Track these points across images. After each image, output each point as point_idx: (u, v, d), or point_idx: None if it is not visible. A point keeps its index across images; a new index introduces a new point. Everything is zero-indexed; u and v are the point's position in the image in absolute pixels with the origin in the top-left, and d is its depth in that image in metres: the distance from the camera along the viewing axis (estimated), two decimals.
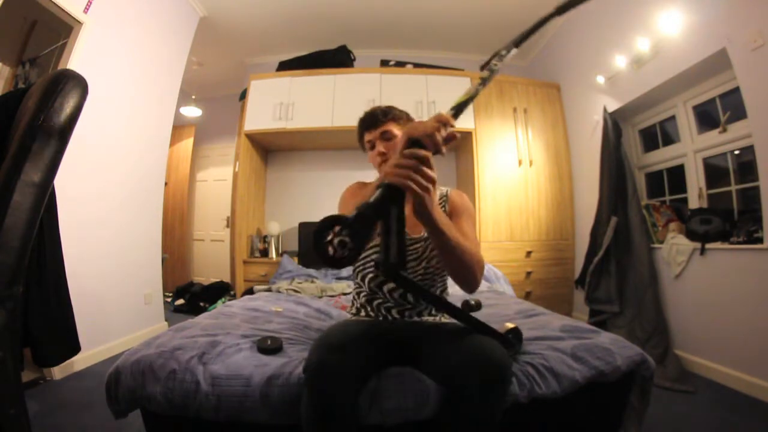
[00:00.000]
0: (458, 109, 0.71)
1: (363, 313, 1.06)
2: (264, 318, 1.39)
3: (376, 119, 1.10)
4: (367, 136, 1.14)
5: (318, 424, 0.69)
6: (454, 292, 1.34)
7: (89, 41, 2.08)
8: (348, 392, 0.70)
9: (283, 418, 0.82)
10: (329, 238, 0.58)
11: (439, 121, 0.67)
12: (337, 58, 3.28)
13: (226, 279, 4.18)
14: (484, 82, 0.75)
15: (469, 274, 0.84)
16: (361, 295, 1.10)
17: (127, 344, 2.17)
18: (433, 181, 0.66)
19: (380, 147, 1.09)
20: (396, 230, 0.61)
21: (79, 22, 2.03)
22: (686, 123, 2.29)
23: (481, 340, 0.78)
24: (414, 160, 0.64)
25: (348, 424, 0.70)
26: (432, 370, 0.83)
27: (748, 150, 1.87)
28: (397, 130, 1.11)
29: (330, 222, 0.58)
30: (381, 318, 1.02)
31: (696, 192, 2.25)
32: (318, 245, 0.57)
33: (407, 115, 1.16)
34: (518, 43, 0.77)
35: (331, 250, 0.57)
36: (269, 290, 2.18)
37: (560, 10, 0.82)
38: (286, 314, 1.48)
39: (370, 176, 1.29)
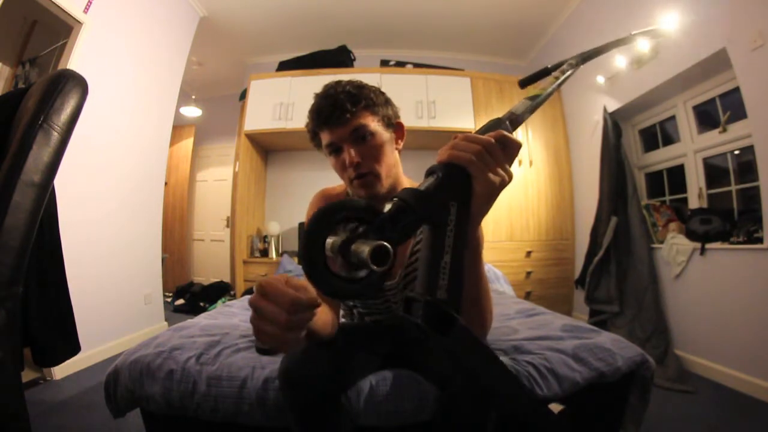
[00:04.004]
0: (516, 120, 0.48)
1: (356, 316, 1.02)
2: None
3: (341, 109, 0.73)
4: (327, 137, 0.76)
5: (297, 427, 0.69)
6: None
7: (89, 41, 2.08)
8: (318, 397, 0.68)
9: (279, 421, 0.82)
10: (330, 244, 0.35)
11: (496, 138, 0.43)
12: (337, 58, 3.28)
13: (226, 279, 4.18)
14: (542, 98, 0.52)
15: (480, 332, 0.62)
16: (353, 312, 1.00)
17: (127, 344, 2.17)
18: (509, 173, 0.43)
19: (352, 154, 0.74)
20: (453, 245, 0.37)
21: (79, 22, 2.02)
22: (686, 123, 2.29)
23: None
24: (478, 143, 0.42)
25: (327, 426, 0.69)
26: (428, 373, 0.82)
27: (748, 150, 1.87)
28: (375, 124, 0.77)
29: (332, 214, 0.35)
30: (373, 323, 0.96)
31: (696, 192, 2.25)
32: (313, 255, 0.34)
33: (386, 97, 0.81)
34: (586, 59, 0.59)
35: (337, 265, 0.35)
36: None
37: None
38: None
39: None
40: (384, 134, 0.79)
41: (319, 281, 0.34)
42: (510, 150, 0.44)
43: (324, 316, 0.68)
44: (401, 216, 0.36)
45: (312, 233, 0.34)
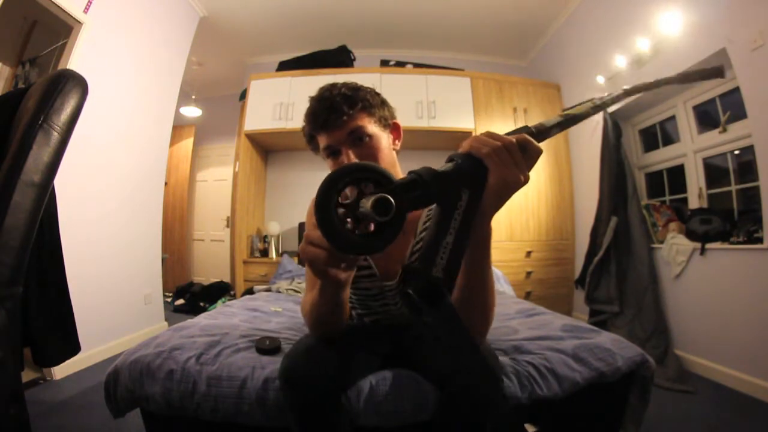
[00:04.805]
0: (544, 132, 0.49)
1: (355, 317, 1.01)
2: (263, 318, 1.39)
3: (337, 112, 0.73)
4: (324, 140, 0.76)
5: (297, 427, 0.69)
6: None
7: (89, 41, 2.08)
8: (318, 397, 0.67)
9: (279, 421, 0.81)
10: (346, 202, 0.37)
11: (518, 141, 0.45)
12: (337, 58, 3.28)
13: (226, 279, 4.18)
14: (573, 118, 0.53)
15: (479, 332, 0.63)
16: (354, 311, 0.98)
17: (127, 344, 2.17)
18: (525, 175, 0.45)
19: (350, 156, 0.74)
20: (458, 229, 0.39)
21: (79, 22, 2.02)
22: (686, 123, 2.29)
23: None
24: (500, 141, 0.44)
25: (327, 427, 0.69)
26: (427, 373, 0.82)
27: (748, 150, 1.87)
28: (372, 126, 0.77)
29: (352, 172, 0.37)
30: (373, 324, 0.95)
31: (696, 192, 2.25)
32: (326, 210, 0.35)
33: (381, 98, 0.82)
34: (629, 93, 0.58)
35: (348, 221, 0.37)
36: (269, 290, 2.18)
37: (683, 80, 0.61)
38: (286, 314, 1.49)
39: None
40: (381, 135, 0.79)
41: (331, 234, 0.35)
42: (530, 154, 0.46)
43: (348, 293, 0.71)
44: (412, 186, 0.38)
45: (327, 189, 0.36)
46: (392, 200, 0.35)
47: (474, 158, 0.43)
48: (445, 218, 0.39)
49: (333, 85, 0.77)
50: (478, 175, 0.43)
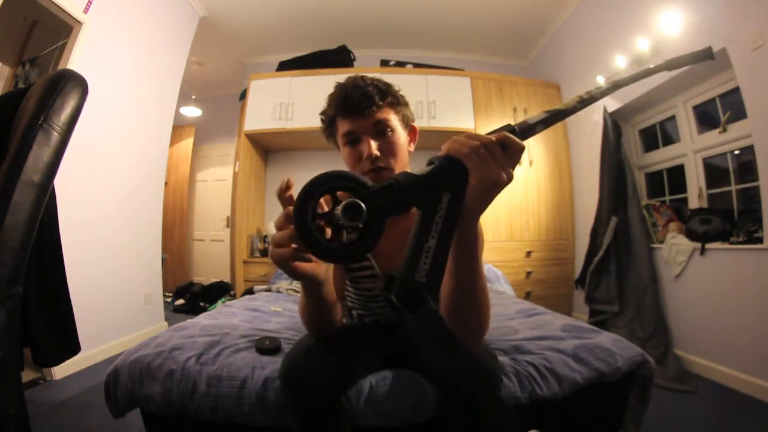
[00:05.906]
0: (528, 130, 0.48)
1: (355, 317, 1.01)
2: (263, 318, 1.39)
3: (369, 100, 0.74)
4: (347, 125, 0.76)
5: (297, 428, 0.69)
6: None
7: (89, 41, 2.08)
8: (318, 397, 0.68)
9: (279, 421, 0.82)
10: (324, 211, 0.38)
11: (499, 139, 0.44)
12: (337, 58, 3.28)
13: (226, 279, 4.18)
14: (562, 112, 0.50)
15: (475, 336, 0.62)
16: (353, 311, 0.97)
17: (127, 344, 2.17)
18: (508, 173, 0.44)
19: (372, 146, 0.74)
20: (440, 232, 0.39)
21: (79, 22, 2.03)
22: (686, 123, 2.29)
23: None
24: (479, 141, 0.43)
25: (327, 427, 0.69)
26: (427, 373, 0.82)
27: (748, 150, 1.87)
28: (396, 122, 0.79)
29: (328, 180, 0.37)
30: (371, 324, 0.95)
31: (696, 192, 2.25)
32: (302, 215, 0.35)
33: (406, 99, 0.85)
34: (618, 86, 0.55)
35: (327, 230, 0.37)
36: (269, 290, 2.18)
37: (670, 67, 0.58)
38: (286, 314, 1.49)
39: None
40: (402, 133, 0.81)
41: (310, 243, 0.36)
42: (512, 151, 0.44)
43: (332, 289, 0.67)
44: (387, 192, 0.37)
45: (303, 198, 0.36)
46: (362, 205, 0.34)
47: (453, 159, 0.43)
48: (426, 222, 0.39)
49: (364, 77, 0.79)
50: (459, 177, 0.42)
